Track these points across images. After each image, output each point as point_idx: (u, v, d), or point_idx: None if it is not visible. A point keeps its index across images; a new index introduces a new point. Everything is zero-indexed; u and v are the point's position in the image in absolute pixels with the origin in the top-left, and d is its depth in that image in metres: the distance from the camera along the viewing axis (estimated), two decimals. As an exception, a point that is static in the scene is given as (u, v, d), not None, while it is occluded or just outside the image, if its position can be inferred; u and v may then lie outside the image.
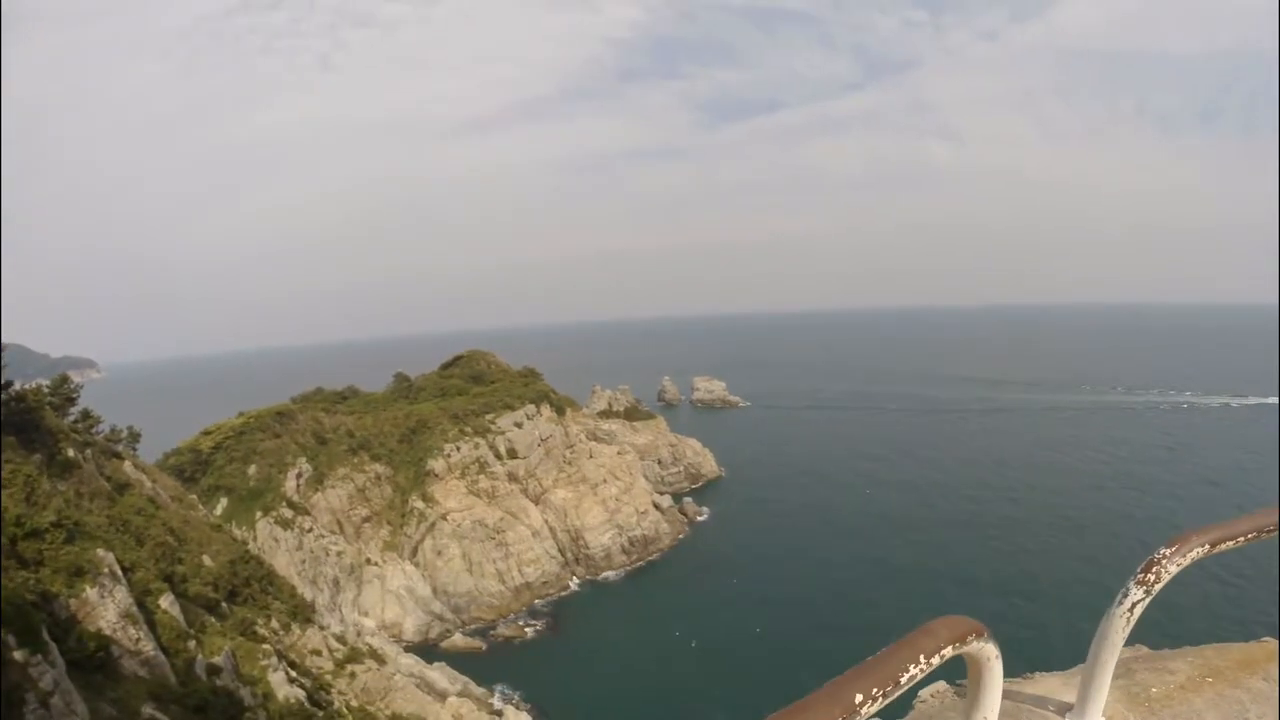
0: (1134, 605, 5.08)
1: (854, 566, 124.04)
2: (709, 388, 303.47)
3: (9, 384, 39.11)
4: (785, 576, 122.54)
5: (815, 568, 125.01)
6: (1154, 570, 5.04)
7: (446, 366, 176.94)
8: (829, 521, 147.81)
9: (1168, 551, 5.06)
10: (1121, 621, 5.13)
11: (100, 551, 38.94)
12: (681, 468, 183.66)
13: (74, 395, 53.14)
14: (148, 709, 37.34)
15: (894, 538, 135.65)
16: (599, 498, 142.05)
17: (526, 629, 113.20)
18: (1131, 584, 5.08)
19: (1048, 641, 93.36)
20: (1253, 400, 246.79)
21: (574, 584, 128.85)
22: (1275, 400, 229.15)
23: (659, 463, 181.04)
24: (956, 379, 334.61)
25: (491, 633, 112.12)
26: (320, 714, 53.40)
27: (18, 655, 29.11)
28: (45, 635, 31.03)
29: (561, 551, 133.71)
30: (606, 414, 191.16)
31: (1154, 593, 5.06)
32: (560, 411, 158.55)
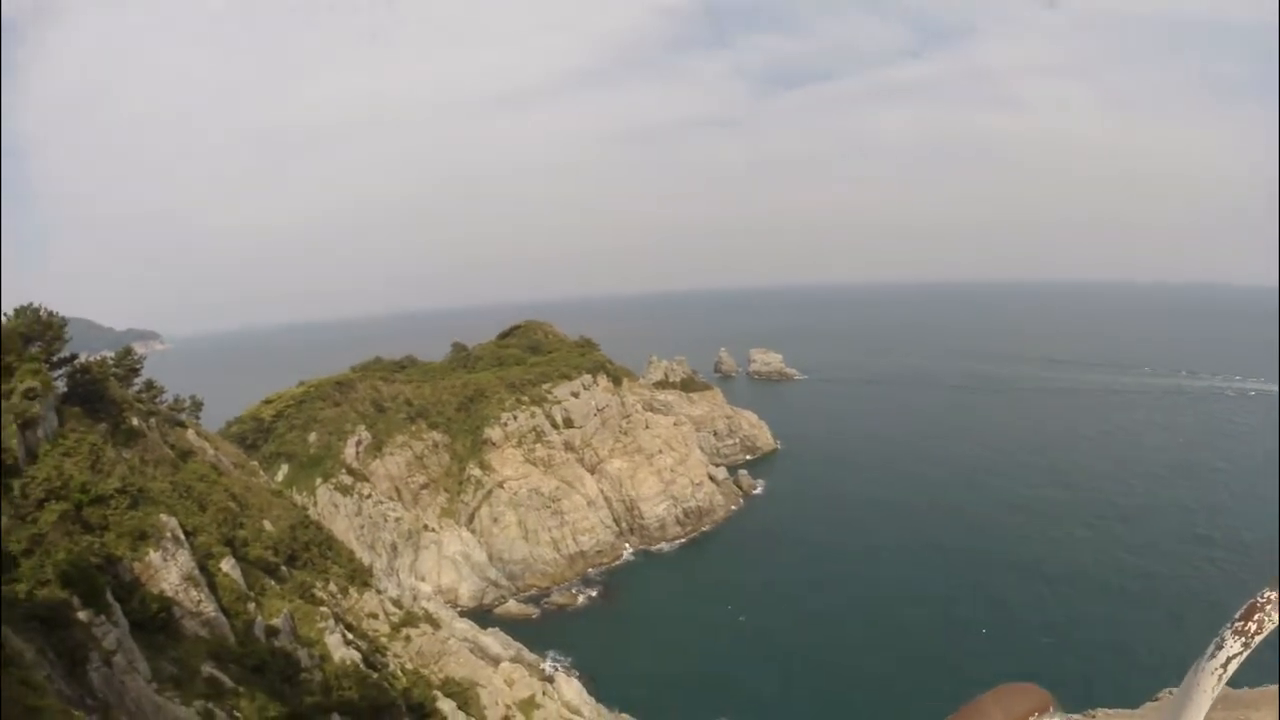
0: (1229, 660, 4.03)
1: (907, 550, 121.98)
2: (766, 360, 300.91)
3: (74, 356, 40.60)
4: (837, 556, 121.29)
5: (868, 550, 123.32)
6: (1255, 618, 3.93)
7: (504, 336, 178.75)
8: (883, 501, 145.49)
9: (1273, 596, 3.97)
10: (1213, 679, 4.06)
11: (163, 516, 40.31)
12: (737, 440, 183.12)
13: (138, 366, 54.97)
14: (207, 668, 38.73)
15: (947, 521, 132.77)
16: (654, 468, 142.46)
17: (579, 597, 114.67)
18: (1227, 633, 3.95)
19: (1093, 640, 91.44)
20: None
21: (628, 554, 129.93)
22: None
23: (715, 434, 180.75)
24: (1016, 356, 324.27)
25: (545, 600, 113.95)
26: (375, 676, 54.75)
27: (82, 615, 30.34)
28: (109, 597, 32.29)
29: (616, 521, 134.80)
30: (663, 385, 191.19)
31: (1254, 645, 4.01)
32: (617, 382, 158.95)
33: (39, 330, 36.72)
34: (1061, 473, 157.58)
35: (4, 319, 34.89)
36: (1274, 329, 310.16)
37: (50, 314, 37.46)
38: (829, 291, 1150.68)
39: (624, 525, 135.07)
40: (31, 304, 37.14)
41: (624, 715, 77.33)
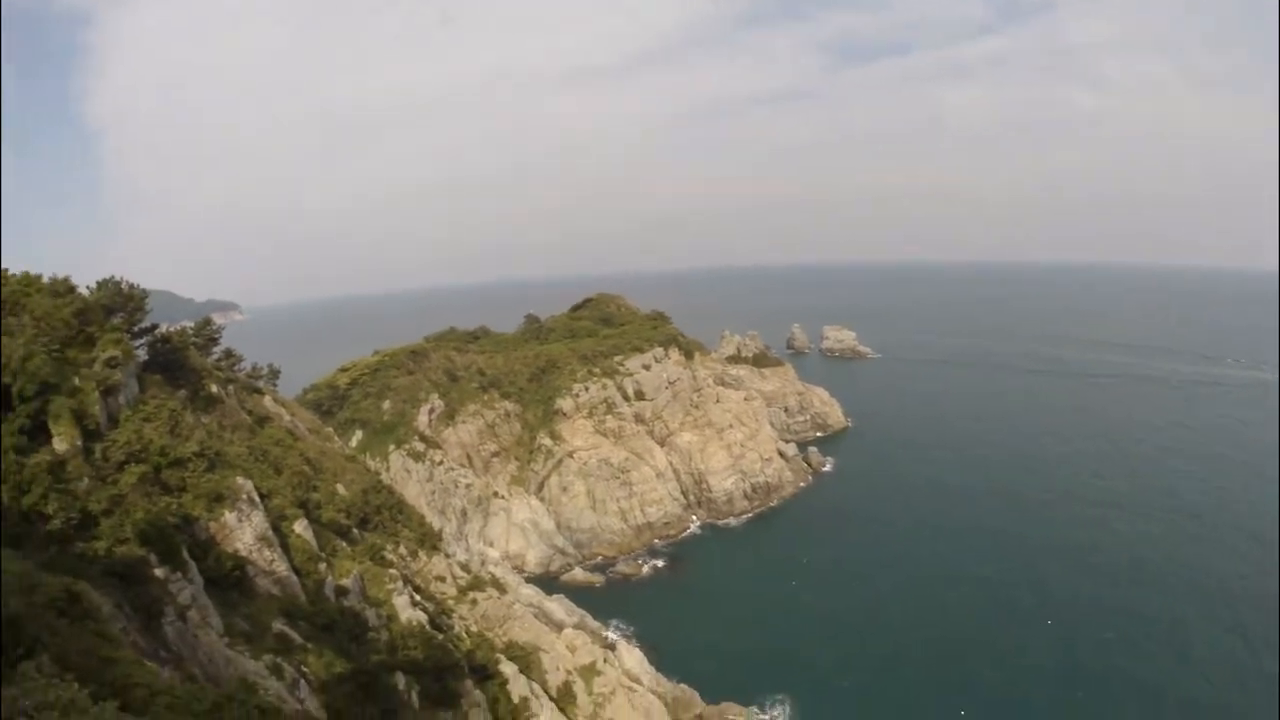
0: None
1: (972, 535, 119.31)
2: (839, 337, 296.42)
3: (154, 326, 42.67)
4: (903, 538, 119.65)
5: (933, 533, 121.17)
6: None
7: (576, 309, 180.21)
8: (951, 485, 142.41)
9: None
10: None
11: (239, 479, 42.20)
12: (808, 416, 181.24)
13: (216, 336, 57.41)
14: (278, 624, 40.60)
15: (1013, 508, 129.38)
16: (724, 442, 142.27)
17: (645, 568, 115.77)
18: None
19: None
20: None
21: (695, 526, 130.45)
22: None
23: (785, 410, 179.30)
24: (1093, 342, 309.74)
25: (611, 569, 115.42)
26: (440, 637, 56.45)
27: (159, 572, 32.12)
28: (185, 555, 34.07)
29: (684, 494, 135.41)
30: (735, 359, 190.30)
31: None
32: (688, 355, 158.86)
33: (121, 302, 38.66)
34: (1133, 464, 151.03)
35: (87, 292, 36.97)
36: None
37: (132, 287, 39.41)
38: (902, 269, 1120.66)
39: (692, 498, 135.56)
40: (113, 277, 39.17)
41: (683, 685, 78.04)
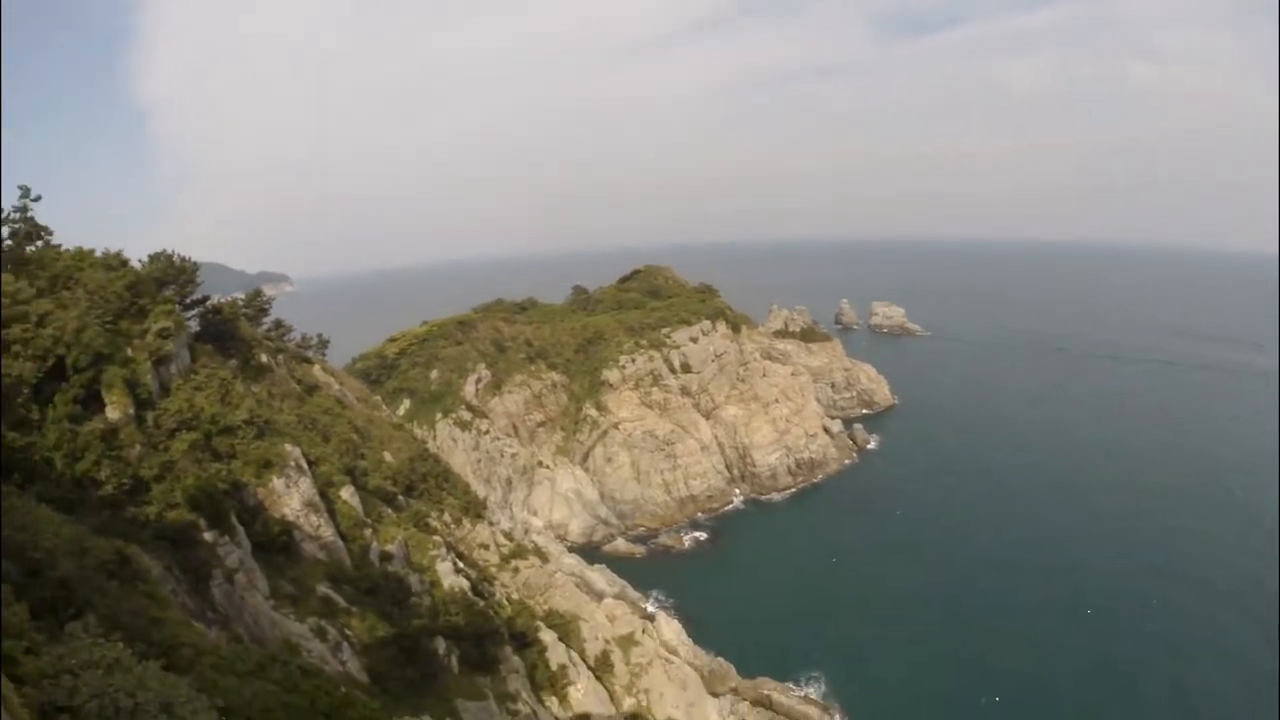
0: None
1: (1015, 522, 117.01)
2: (888, 314, 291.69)
3: (206, 298, 43.91)
4: (946, 521, 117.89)
5: (977, 518, 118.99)
6: None
7: (624, 280, 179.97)
8: (998, 470, 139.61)
9: None
10: None
11: (288, 446, 43.39)
12: (854, 393, 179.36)
13: (266, 306, 58.80)
14: (322, 588, 41.89)
15: (1060, 497, 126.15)
16: (769, 417, 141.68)
17: (687, 540, 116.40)
18: None
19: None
20: None
21: (738, 500, 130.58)
22: None
23: (832, 386, 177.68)
24: (1147, 325, 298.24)
25: (653, 541, 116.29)
26: (481, 604, 57.67)
27: (208, 536, 33.33)
28: (234, 520, 35.26)
29: (728, 467, 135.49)
30: (782, 334, 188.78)
31: None
32: (735, 329, 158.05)
33: (172, 274, 39.81)
34: (1187, 456, 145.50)
35: (139, 265, 38.16)
36: None
37: (183, 259, 40.55)
38: (955, 246, 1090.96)
39: (735, 472, 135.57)
40: (165, 251, 40.34)
41: (720, 658, 78.56)
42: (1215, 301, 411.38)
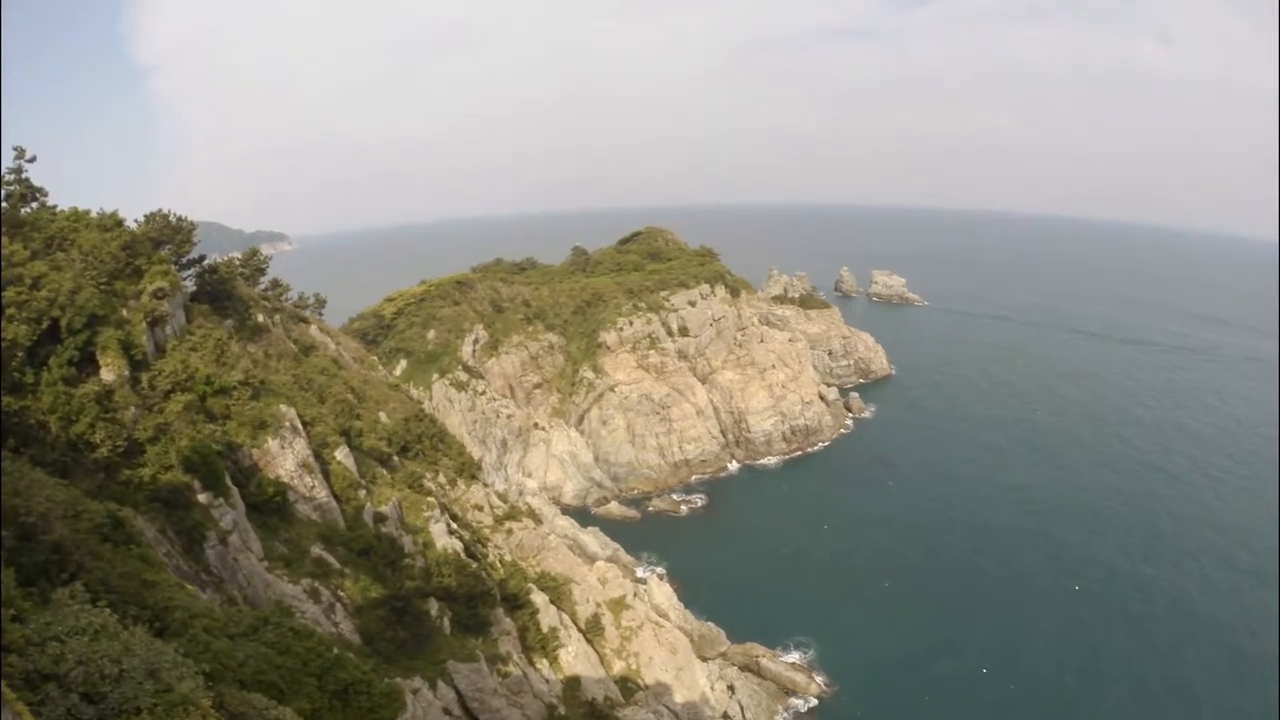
0: None
1: (1007, 494, 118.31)
2: (888, 282, 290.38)
3: (202, 258, 43.68)
4: (938, 492, 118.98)
5: (970, 489, 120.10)
6: None
7: (624, 242, 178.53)
8: (991, 443, 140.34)
9: None
10: None
11: (283, 407, 43.45)
12: (851, 361, 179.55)
13: (263, 266, 58.45)
14: (316, 549, 42.28)
15: (1052, 470, 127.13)
16: (765, 383, 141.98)
17: (681, 505, 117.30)
18: None
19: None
20: None
21: (732, 466, 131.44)
22: None
23: (829, 354, 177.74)
24: (1156, 306, 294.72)
25: (646, 505, 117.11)
26: (474, 566, 58.30)
27: (202, 498, 33.57)
28: (228, 481, 35.44)
29: (723, 432, 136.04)
30: (781, 299, 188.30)
31: None
32: (734, 293, 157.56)
33: (168, 234, 39.55)
34: (1185, 436, 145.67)
35: (135, 225, 37.87)
36: None
37: (179, 219, 40.26)
38: (958, 216, 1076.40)
39: (730, 437, 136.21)
40: (161, 210, 40.01)
41: (710, 624, 79.81)
42: (1218, 285, 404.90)
